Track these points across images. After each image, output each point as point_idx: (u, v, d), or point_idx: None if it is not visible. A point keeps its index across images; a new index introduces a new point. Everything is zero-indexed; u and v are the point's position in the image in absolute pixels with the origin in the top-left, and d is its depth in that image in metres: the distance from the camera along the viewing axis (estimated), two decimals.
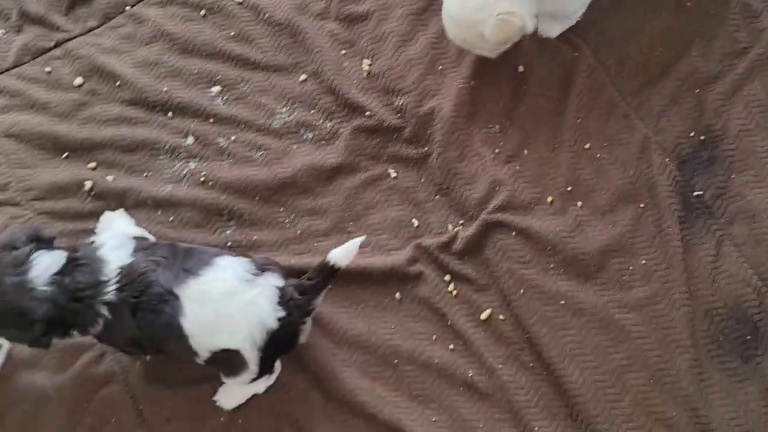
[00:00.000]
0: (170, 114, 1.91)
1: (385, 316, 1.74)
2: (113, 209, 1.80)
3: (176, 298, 1.43)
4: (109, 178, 1.85)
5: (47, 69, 1.97)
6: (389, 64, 1.91)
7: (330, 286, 1.54)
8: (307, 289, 1.50)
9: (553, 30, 1.87)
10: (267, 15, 1.98)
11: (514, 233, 1.76)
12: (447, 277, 1.76)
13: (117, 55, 1.97)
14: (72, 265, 1.45)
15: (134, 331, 1.47)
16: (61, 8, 2.04)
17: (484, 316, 1.72)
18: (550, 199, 1.79)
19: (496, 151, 1.84)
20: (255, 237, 1.79)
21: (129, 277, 1.44)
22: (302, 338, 1.61)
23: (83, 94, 1.94)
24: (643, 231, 1.76)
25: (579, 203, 1.79)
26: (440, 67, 1.90)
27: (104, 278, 1.44)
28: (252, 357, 1.48)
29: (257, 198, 1.82)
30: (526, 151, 1.84)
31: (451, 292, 1.75)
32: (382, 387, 1.69)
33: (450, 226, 1.80)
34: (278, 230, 1.80)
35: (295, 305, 1.48)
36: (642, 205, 1.78)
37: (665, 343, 1.67)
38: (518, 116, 1.86)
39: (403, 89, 1.89)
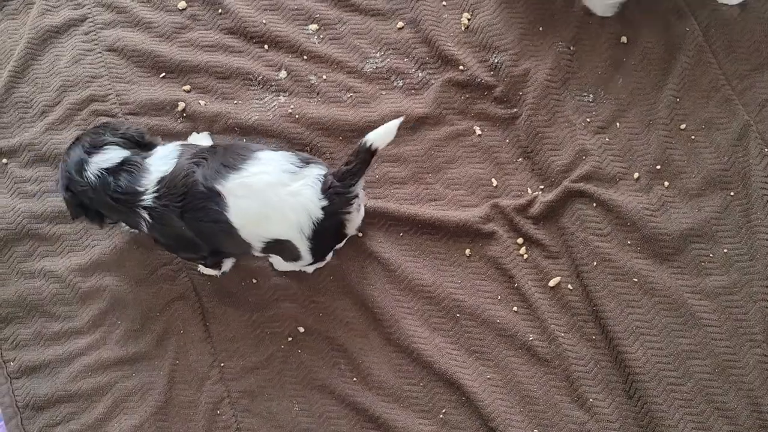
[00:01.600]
0: (266, 47, 1.94)
1: (453, 270, 1.75)
2: (201, 131, 1.86)
3: (218, 194, 1.47)
4: (202, 102, 1.90)
5: None
6: (489, 20, 1.89)
7: (367, 171, 1.52)
8: (345, 175, 1.50)
9: None
10: None
11: (594, 204, 1.73)
12: (519, 240, 1.75)
13: None
14: (121, 167, 1.55)
15: (185, 232, 1.54)
16: None
17: (552, 283, 1.71)
18: (636, 175, 1.75)
19: (587, 120, 1.80)
20: None
21: (171, 183, 1.51)
22: (349, 229, 1.62)
23: (186, 17, 1.99)
24: (729, 219, 1.71)
25: (666, 183, 1.74)
26: (541, 29, 1.87)
27: (140, 188, 1.53)
28: (303, 246, 1.53)
29: (341, 138, 1.85)
30: (617, 124, 1.79)
31: (522, 255, 1.74)
32: (441, 338, 1.71)
33: (529, 190, 1.79)
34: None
35: (335, 192, 1.49)
36: (732, 194, 1.72)
37: (736, 335, 1.63)
38: (614, 87, 1.82)
39: (500, 47, 1.86)
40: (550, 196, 1.75)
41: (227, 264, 1.74)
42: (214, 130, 1.87)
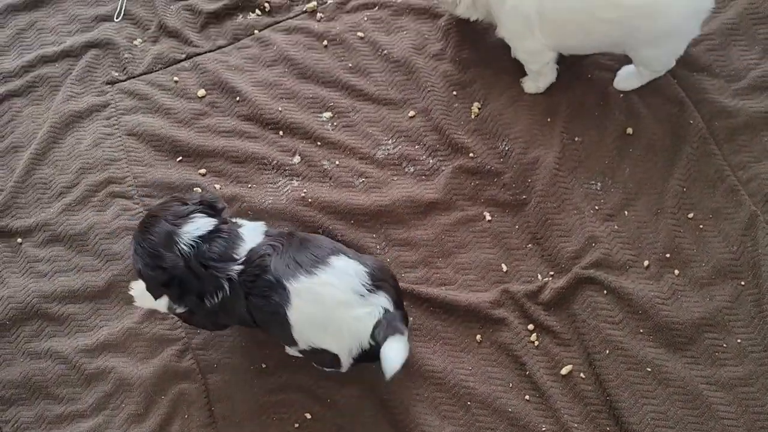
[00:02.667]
0: (281, 133, 2.00)
1: (464, 357, 1.73)
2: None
3: (284, 289, 1.48)
4: (217, 185, 1.94)
5: (175, 78, 2.11)
6: (499, 110, 1.95)
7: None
8: (383, 334, 1.48)
9: (631, 83, 1.91)
10: (385, 51, 2.07)
11: (605, 292, 1.73)
12: (530, 326, 1.74)
13: (240, 72, 2.09)
14: (215, 234, 1.53)
15: (245, 314, 1.54)
16: (195, 26, 2.19)
17: (564, 371, 1.69)
18: (646, 263, 1.76)
19: (596, 207, 1.83)
20: None
21: (250, 259, 1.52)
22: (391, 373, 1.52)
23: (204, 104, 2.06)
24: (741, 309, 1.70)
25: (676, 272, 1.75)
26: (548, 119, 1.93)
27: (236, 256, 1.52)
28: (346, 362, 1.55)
29: (352, 222, 1.87)
30: (626, 212, 1.82)
31: (533, 341, 1.72)
32: (452, 427, 1.67)
33: (539, 276, 1.79)
34: (368, 255, 1.83)
35: (376, 337, 1.49)
36: (743, 283, 1.73)
37: (754, 428, 1.59)
38: (621, 176, 1.86)
39: (509, 135, 1.92)
40: (560, 282, 1.75)
41: None
42: (229, 213, 1.90)
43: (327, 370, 1.67)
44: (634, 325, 1.70)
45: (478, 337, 1.75)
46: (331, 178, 1.94)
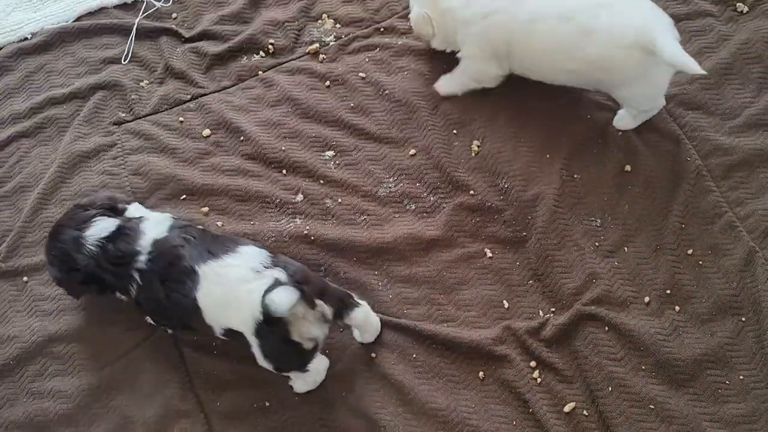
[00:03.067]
0: (284, 171, 2.03)
1: (467, 394, 1.73)
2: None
3: (195, 273, 1.59)
4: (219, 222, 1.96)
5: (180, 119, 2.15)
6: (498, 147, 1.98)
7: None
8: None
9: (626, 123, 1.94)
10: (386, 91, 2.12)
11: (606, 328, 1.74)
12: (532, 363, 1.74)
13: (244, 113, 2.14)
14: (118, 233, 1.69)
15: (163, 299, 1.64)
16: (200, 67, 2.24)
17: (567, 408, 1.68)
18: (647, 299, 1.77)
19: (596, 244, 1.85)
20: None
21: (161, 249, 1.65)
22: (299, 337, 1.56)
23: (209, 144, 2.10)
24: (742, 345, 1.71)
25: (677, 308, 1.76)
26: (548, 156, 1.96)
27: (138, 248, 1.66)
28: (253, 342, 1.57)
29: (355, 259, 1.89)
30: (626, 249, 1.84)
31: (535, 378, 1.72)
32: None
33: (541, 312, 1.80)
34: (370, 292, 1.85)
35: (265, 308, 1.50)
36: (743, 319, 1.73)
37: None
38: (621, 213, 1.88)
39: (508, 172, 1.95)
40: (561, 318, 1.76)
41: None
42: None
43: (312, 387, 1.72)
44: (636, 361, 1.71)
45: (481, 374, 1.75)
46: (333, 216, 1.96)
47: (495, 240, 1.90)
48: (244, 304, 1.53)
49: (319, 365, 1.72)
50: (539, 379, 1.72)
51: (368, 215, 1.95)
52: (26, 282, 1.93)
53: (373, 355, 1.77)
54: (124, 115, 2.17)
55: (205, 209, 1.99)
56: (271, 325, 1.52)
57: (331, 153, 2.05)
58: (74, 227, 1.72)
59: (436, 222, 1.92)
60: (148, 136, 2.12)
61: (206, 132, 2.12)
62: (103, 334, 1.85)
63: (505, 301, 1.82)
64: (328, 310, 1.61)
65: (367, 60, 2.18)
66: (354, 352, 1.78)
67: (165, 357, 1.81)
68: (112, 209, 1.77)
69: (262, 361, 1.61)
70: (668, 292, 1.78)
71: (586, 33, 1.77)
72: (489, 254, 1.88)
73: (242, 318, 1.54)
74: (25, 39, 2.34)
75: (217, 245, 1.63)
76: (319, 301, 1.59)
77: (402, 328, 1.79)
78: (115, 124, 2.15)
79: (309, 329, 1.59)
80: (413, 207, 1.96)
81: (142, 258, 1.65)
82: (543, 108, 2.03)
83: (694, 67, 1.67)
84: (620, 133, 1.96)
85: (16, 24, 2.37)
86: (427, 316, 1.82)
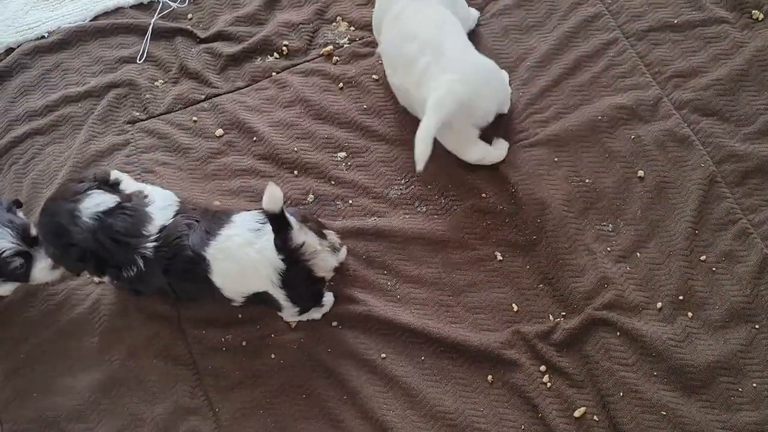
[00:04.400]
0: (296, 172, 2.04)
1: (475, 398, 1.72)
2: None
3: (204, 259, 1.60)
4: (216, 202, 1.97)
5: (194, 118, 2.16)
6: (509, 151, 1.97)
7: (289, 225, 1.54)
8: (276, 238, 1.54)
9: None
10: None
11: (618, 333, 1.72)
12: (542, 368, 1.73)
13: (258, 113, 2.14)
14: (119, 210, 1.63)
15: (164, 286, 1.67)
16: (215, 68, 2.25)
17: (577, 413, 1.67)
18: (659, 305, 1.76)
19: (608, 249, 1.83)
20: (358, 294, 1.84)
21: (167, 238, 1.63)
22: (321, 271, 1.64)
23: (221, 144, 2.11)
24: (756, 353, 1.69)
25: (689, 314, 1.74)
26: (556, 159, 1.95)
27: (146, 233, 1.62)
28: (280, 296, 1.61)
29: (365, 258, 1.89)
30: (638, 254, 1.82)
31: (545, 383, 1.71)
32: None
33: (551, 317, 1.79)
34: (379, 291, 1.85)
35: (280, 249, 1.54)
36: (757, 327, 1.71)
37: None
38: (633, 218, 1.86)
39: (517, 176, 1.93)
40: (572, 323, 1.75)
41: None
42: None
43: (288, 314, 1.73)
44: (647, 367, 1.69)
45: (490, 377, 1.74)
46: (343, 217, 1.96)
47: (505, 243, 1.89)
48: (260, 264, 1.57)
49: (328, 297, 1.79)
50: (549, 384, 1.71)
51: (378, 216, 1.95)
52: None
53: (383, 356, 1.76)
54: (138, 113, 2.18)
55: (217, 202, 1.99)
56: (295, 268, 1.56)
57: (343, 154, 2.06)
58: (68, 200, 1.63)
59: (447, 224, 1.92)
60: (161, 135, 2.14)
61: (219, 132, 2.13)
62: (113, 331, 1.86)
63: (514, 305, 1.81)
64: (336, 239, 1.72)
65: (379, 62, 2.18)
66: (363, 353, 1.77)
67: (174, 354, 1.82)
68: (105, 182, 1.70)
69: (289, 309, 1.66)
70: (681, 298, 1.76)
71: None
72: (499, 257, 1.87)
73: (263, 277, 1.58)
74: (42, 37, 2.36)
75: (214, 223, 1.64)
76: (328, 231, 1.71)
77: (411, 330, 1.78)
78: (129, 122, 2.17)
79: (326, 261, 1.66)
80: (424, 209, 1.95)
81: (149, 245, 1.62)
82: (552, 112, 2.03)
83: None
84: (632, 137, 1.95)
85: (33, 22, 2.40)
86: (435, 316, 1.82)
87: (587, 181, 1.92)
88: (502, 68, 2.02)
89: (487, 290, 1.84)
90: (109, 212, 1.62)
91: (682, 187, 1.88)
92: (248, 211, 1.66)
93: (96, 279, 1.79)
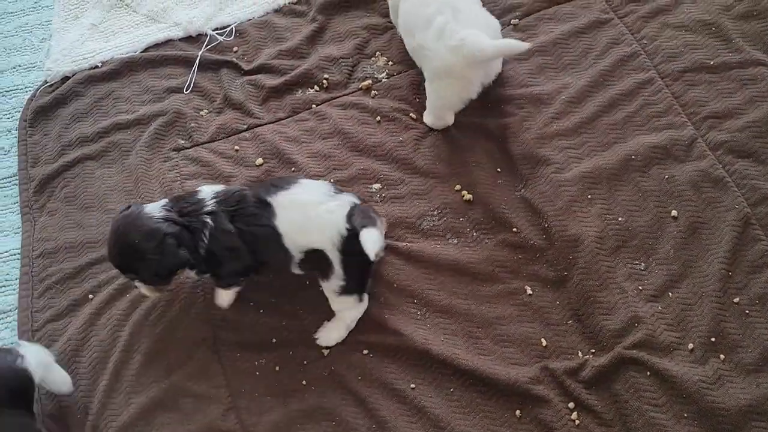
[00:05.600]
0: None
1: (503, 431, 1.73)
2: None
3: (268, 204, 1.75)
4: None
5: (236, 147, 2.24)
6: (541, 187, 2.01)
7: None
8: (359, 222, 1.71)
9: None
10: (435, 130, 2.17)
11: (648, 373, 1.72)
12: (571, 404, 1.73)
13: (297, 144, 2.22)
14: (175, 200, 1.81)
15: (235, 240, 1.75)
16: (257, 99, 2.34)
17: None
18: (690, 346, 1.75)
19: (639, 288, 1.84)
20: (388, 322, 1.86)
21: (225, 195, 1.79)
22: (372, 256, 1.68)
23: (261, 172, 2.18)
24: None
25: (722, 356, 1.73)
26: (589, 196, 1.97)
27: (201, 197, 1.79)
28: (335, 257, 1.73)
29: (395, 285, 1.92)
30: (670, 294, 1.82)
31: (573, 420, 1.71)
32: None
33: (580, 353, 1.80)
34: (410, 319, 1.88)
35: (349, 227, 1.71)
36: None
37: None
38: (666, 258, 1.87)
39: (549, 212, 1.96)
40: (601, 360, 1.75)
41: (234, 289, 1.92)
42: None
43: (332, 286, 1.79)
44: (678, 408, 1.68)
45: (518, 412, 1.74)
46: None
47: (536, 278, 1.91)
48: (326, 222, 1.71)
49: (366, 297, 1.86)
50: (577, 421, 1.71)
51: (410, 244, 1.98)
52: (90, 300, 2.01)
53: (413, 386, 1.79)
54: (183, 141, 2.27)
55: None
56: (355, 240, 1.67)
57: (378, 186, 2.11)
58: (135, 214, 1.76)
59: (478, 256, 1.94)
60: (204, 162, 2.22)
61: (259, 161, 2.20)
62: (149, 353, 1.91)
63: (543, 339, 1.83)
64: (384, 226, 1.86)
65: (416, 97, 2.24)
66: (393, 382, 1.80)
67: (208, 376, 1.86)
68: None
69: (337, 280, 1.76)
70: (713, 339, 1.75)
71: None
72: (529, 291, 1.89)
73: (326, 235, 1.71)
74: (96, 67, 2.48)
75: (279, 181, 1.82)
76: (382, 218, 1.85)
77: (440, 361, 1.80)
78: (174, 150, 2.26)
79: (380, 247, 1.74)
80: (456, 241, 1.99)
81: (210, 201, 1.76)
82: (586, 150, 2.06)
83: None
84: (666, 177, 1.96)
85: (88, 53, 2.53)
86: (464, 347, 1.83)
87: (620, 219, 1.94)
88: (537, 101, 2.10)
89: (516, 324, 1.86)
90: (167, 206, 1.77)
91: (716, 228, 1.89)
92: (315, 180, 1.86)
93: (146, 292, 1.86)
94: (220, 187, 1.83)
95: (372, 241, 1.65)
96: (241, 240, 1.76)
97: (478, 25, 1.99)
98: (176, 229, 1.73)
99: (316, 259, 1.76)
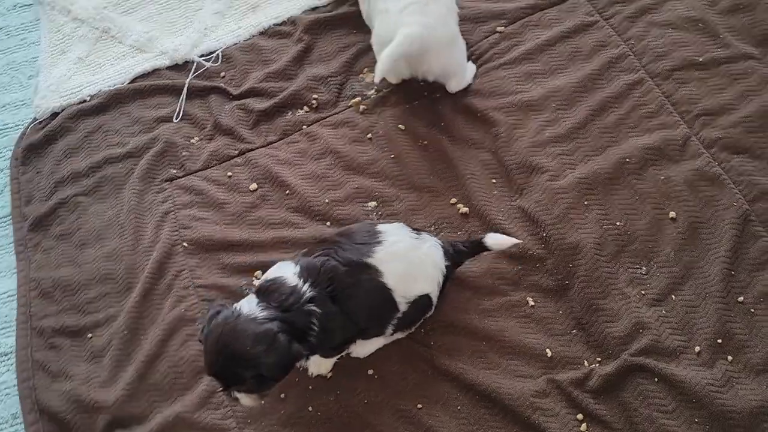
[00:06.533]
0: (328, 223, 2.08)
1: None
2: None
3: (368, 266, 1.66)
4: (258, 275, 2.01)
5: (229, 173, 2.23)
6: (537, 197, 1.99)
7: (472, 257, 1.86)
8: (460, 252, 1.82)
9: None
10: (425, 142, 2.16)
11: (656, 379, 1.70)
12: (579, 416, 1.71)
13: (290, 166, 2.21)
14: (263, 294, 1.62)
15: (340, 318, 1.64)
16: (248, 123, 2.33)
17: None
18: (697, 349, 1.73)
19: (642, 292, 1.82)
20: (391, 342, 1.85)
21: (315, 274, 1.62)
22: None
23: (255, 198, 2.17)
24: None
25: (729, 358, 1.71)
26: (586, 202, 1.96)
27: (293, 283, 1.61)
28: (435, 297, 1.78)
29: None
30: (673, 297, 1.81)
31: (583, 431, 1.69)
32: None
33: (586, 363, 1.78)
34: (413, 338, 1.86)
35: (451, 260, 1.79)
36: None
37: None
38: (667, 261, 1.85)
39: (547, 221, 1.95)
40: (608, 368, 1.73)
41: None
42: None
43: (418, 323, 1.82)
44: (688, 414, 1.66)
45: (527, 427, 1.72)
46: None
47: (537, 288, 1.89)
48: (429, 267, 1.73)
49: None
50: None
51: None
52: (90, 338, 2.00)
53: (419, 406, 1.77)
54: (175, 171, 2.26)
55: (255, 263, 2.04)
56: (446, 279, 1.78)
57: (373, 204, 2.10)
58: (233, 321, 1.55)
59: (477, 269, 1.93)
60: (198, 191, 2.21)
61: (253, 186, 2.19)
62: (151, 383, 1.90)
63: (548, 350, 1.81)
64: None
65: (407, 113, 2.23)
66: (398, 403, 1.78)
67: (216, 403, 1.83)
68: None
69: (432, 307, 1.79)
70: (719, 341, 1.73)
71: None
72: (531, 302, 1.88)
73: (430, 280, 1.74)
74: (84, 101, 2.48)
75: (362, 238, 1.69)
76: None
77: (446, 378, 1.79)
78: (167, 180, 2.25)
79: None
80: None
81: (304, 287, 1.59)
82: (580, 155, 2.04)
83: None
84: (662, 178, 1.95)
85: (76, 87, 2.52)
86: (469, 362, 1.82)
87: (618, 223, 1.92)
88: (528, 108, 2.07)
89: (519, 335, 1.84)
90: (261, 300, 1.59)
91: (716, 227, 1.87)
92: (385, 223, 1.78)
93: (248, 402, 1.66)
94: (291, 265, 1.65)
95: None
96: (344, 314, 1.65)
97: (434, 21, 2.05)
98: (285, 327, 1.55)
99: (418, 304, 1.74)
